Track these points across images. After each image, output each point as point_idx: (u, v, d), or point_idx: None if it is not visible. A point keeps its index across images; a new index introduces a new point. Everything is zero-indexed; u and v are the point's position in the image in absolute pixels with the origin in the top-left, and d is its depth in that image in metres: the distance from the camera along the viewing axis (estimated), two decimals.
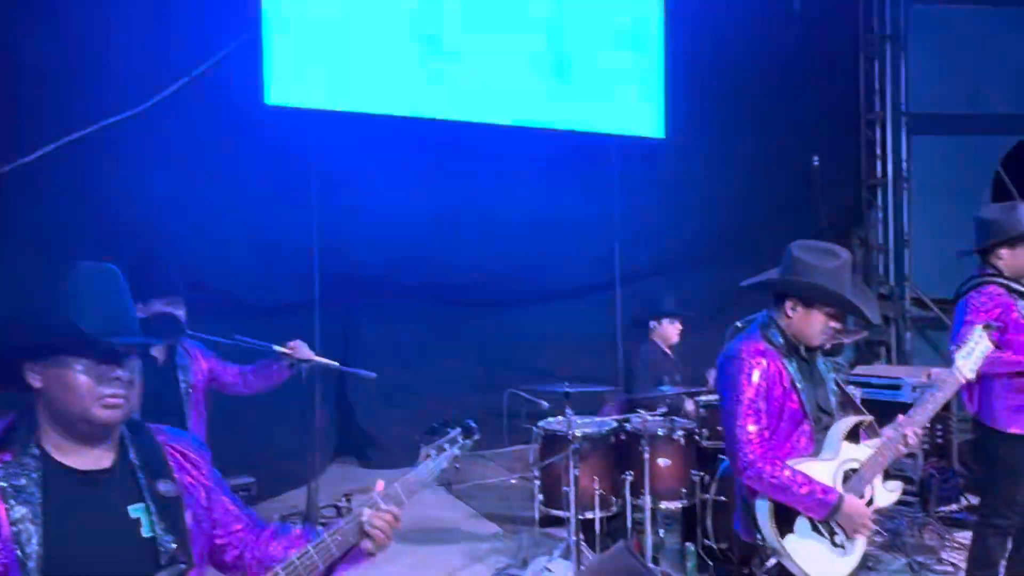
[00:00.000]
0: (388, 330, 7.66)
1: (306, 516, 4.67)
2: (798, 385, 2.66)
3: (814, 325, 2.68)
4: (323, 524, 5.53)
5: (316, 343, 5.23)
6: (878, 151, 10.00)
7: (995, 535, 3.96)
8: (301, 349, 3.60)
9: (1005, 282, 3.86)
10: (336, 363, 3.81)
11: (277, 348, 3.56)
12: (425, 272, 7.48)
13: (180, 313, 3.48)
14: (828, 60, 9.69)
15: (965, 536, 5.33)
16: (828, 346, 5.56)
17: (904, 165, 9.93)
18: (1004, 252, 3.87)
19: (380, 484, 1.95)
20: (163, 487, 1.77)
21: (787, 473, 2.52)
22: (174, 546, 1.73)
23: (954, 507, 5.78)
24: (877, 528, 5.27)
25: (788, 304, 2.70)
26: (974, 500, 5.85)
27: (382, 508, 1.89)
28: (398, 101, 6.74)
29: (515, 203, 7.53)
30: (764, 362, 2.63)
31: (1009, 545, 4.05)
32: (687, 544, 4.94)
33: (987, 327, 2.98)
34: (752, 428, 2.56)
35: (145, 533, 1.72)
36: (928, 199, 10.06)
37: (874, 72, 9.91)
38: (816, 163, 8.92)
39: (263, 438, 6.12)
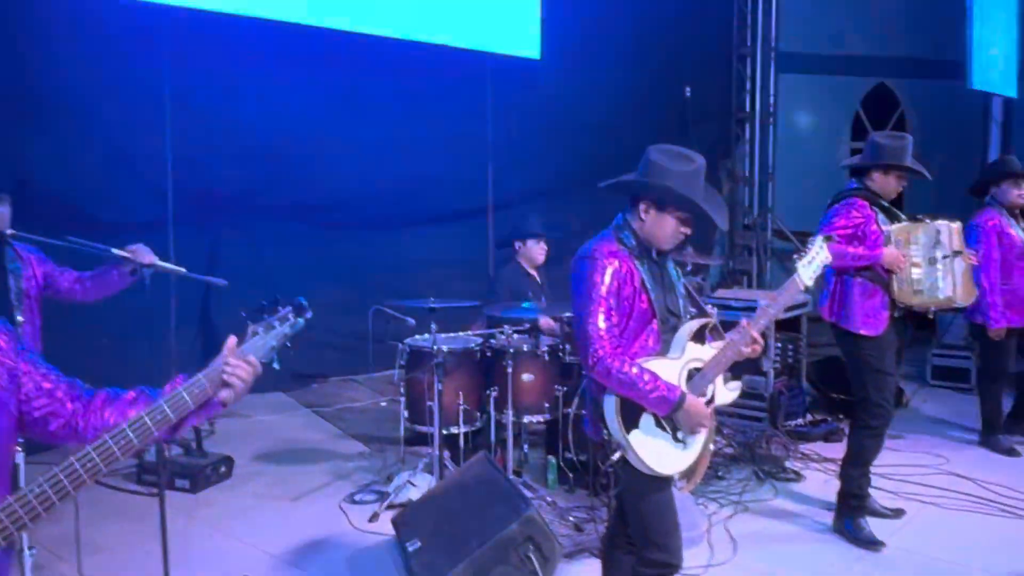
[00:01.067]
0: (252, 251, 7.38)
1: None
2: (648, 286, 2.69)
3: (665, 228, 2.71)
4: (182, 447, 5.39)
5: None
6: (747, 86, 10.26)
7: (870, 436, 4.26)
8: (142, 253, 3.40)
9: (870, 197, 4.21)
10: (183, 269, 3.62)
11: (116, 252, 3.34)
12: (291, 191, 7.20)
13: (2, 209, 3.22)
14: None
15: (809, 447, 5.70)
16: (689, 267, 5.78)
17: (771, 101, 10.24)
18: (876, 175, 4.21)
19: (231, 339, 1.88)
20: None
21: (634, 370, 2.57)
22: None
23: (800, 421, 6.12)
24: (728, 441, 5.56)
25: (642, 206, 2.72)
26: (819, 417, 6.26)
27: (241, 359, 1.85)
28: (264, 3, 6.33)
29: (386, 121, 7.32)
30: (616, 262, 2.65)
31: (883, 446, 4.39)
32: (549, 457, 5.05)
33: (827, 239, 3.13)
34: (603, 324, 2.59)
35: None
36: (792, 135, 10.46)
37: (747, 8, 10.10)
38: (688, 94, 9.10)
39: (118, 356, 5.85)
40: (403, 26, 6.91)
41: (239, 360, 1.85)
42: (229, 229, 7.25)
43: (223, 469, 5.19)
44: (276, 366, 1.99)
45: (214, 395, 1.86)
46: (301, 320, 1.97)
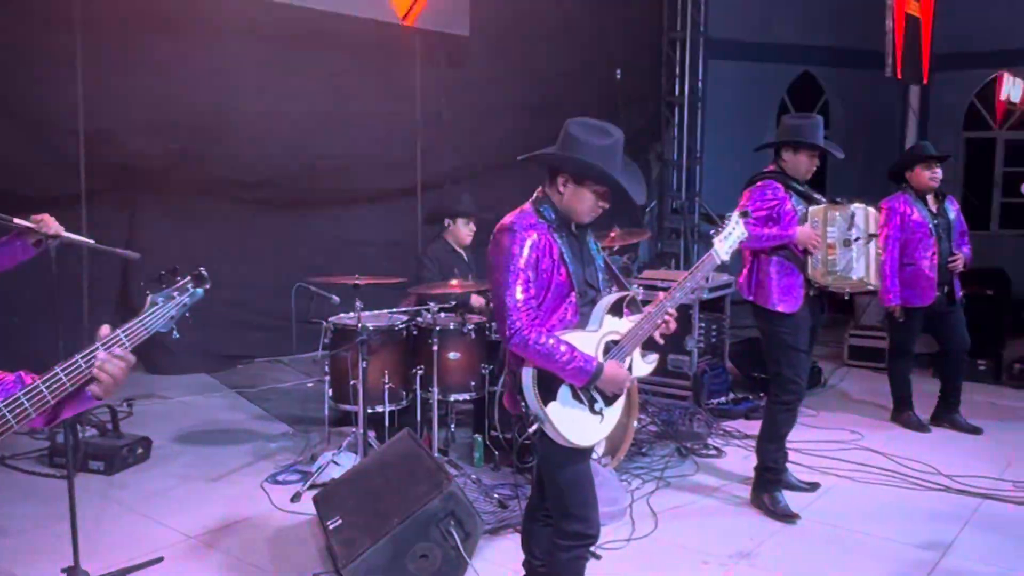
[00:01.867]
0: (174, 228, 7.18)
1: (73, 422, 4.33)
2: (567, 259, 2.70)
3: (584, 202, 2.71)
4: (94, 426, 5.23)
5: None
6: (677, 71, 10.37)
7: (783, 411, 4.38)
8: (49, 223, 3.25)
9: (784, 179, 4.30)
10: (91, 240, 3.48)
11: (19, 222, 3.20)
12: (214, 167, 7.01)
13: None
14: None
15: (730, 424, 5.83)
16: (616, 247, 5.81)
17: (700, 86, 10.38)
18: (787, 155, 4.31)
19: (104, 328, 1.82)
20: None
21: (551, 341, 2.57)
22: None
23: (722, 399, 6.26)
24: (652, 419, 5.65)
25: (560, 179, 2.72)
26: (741, 395, 6.41)
27: (116, 353, 1.80)
28: None
29: (313, 97, 7.17)
30: (535, 235, 2.64)
31: (796, 420, 4.52)
32: (475, 436, 5.05)
33: (744, 214, 3.18)
34: (520, 296, 2.59)
35: None
36: (720, 120, 10.62)
37: None
38: (619, 76, 9.16)
39: (27, 334, 5.63)
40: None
41: (109, 355, 1.80)
42: (149, 205, 7.04)
43: (140, 450, 5.04)
44: (176, 335, 1.95)
45: (82, 388, 1.80)
46: (200, 290, 1.95)
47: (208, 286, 1.94)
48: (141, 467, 4.98)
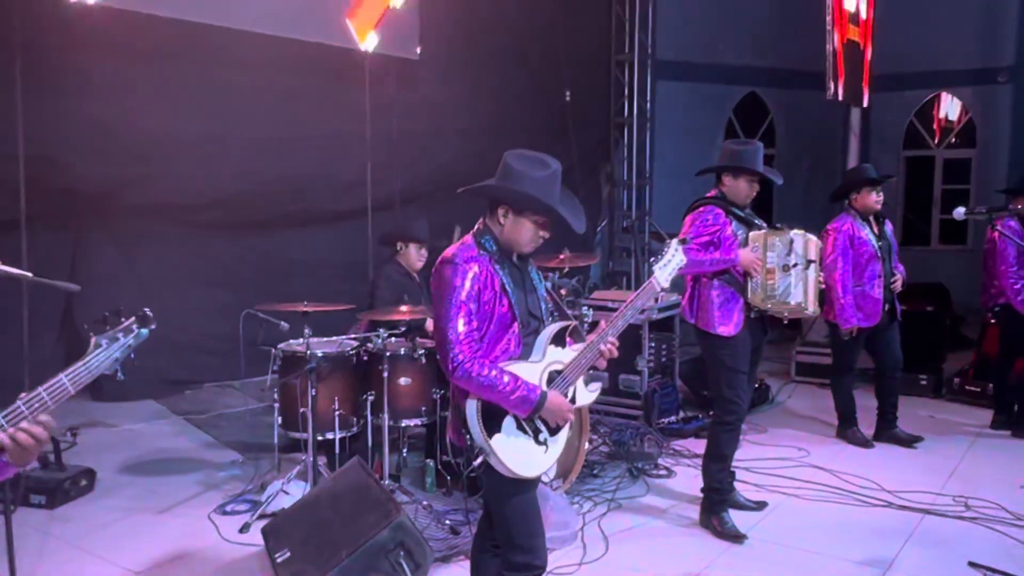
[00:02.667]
0: (120, 254, 7.07)
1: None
2: (508, 290, 2.72)
3: (524, 232, 2.74)
4: (39, 461, 5.09)
5: (25, 268, 4.69)
6: (626, 92, 10.52)
7: (725, 431, 4.44)
8: None
9: (724, 205, 4.38)
10: (29, 274, 3.41)
11: None
12: (160, 191, 6.91)
13: None
14: (582, 0, 10.02)
15: (681, 444, 5.89)
16: (566, 269, 5.86)
17: (648, 107, 10.54)
18: (727, 180, 4.40)
19: (22, 395, 1.79)
20: None
21: (494, 373, 2.59)
22: None
23: (672, 419, 6.32)
24: (603, 439, 5.69)
25: (500, 211, 2.75)
26: (691, 413, 6.49)
27: (36, 420, 1.77)
28: None
29: (261, 120, 7.12)
30: (476, 267, 2.66)
31: (740, 440, 4.56)
32: (427, 461, 5.04)
33: (683, 241, 3.24)
34: (462, 328, 2.60)
35: None
36: (668, 141, 10.80)
37: (625, 15, 10.36)
38: (568, 98, 9.26)
39: None
40: (277, 23, 6.75)
41: (31, 427, 1.76)
42: (95, 231, 6.92)
43: (84, 483, 4.93)
44: (121, 377, 1.94)
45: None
46: (145, 331, 1.93)
47: (153, 327, 1.93)
48: (84, 500, 4.87)
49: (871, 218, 5.77)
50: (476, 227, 2.82)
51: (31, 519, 4.47)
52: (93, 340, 1.88)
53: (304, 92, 7.30)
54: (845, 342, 5.78)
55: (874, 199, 5.70)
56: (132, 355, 1.94)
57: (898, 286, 5.79)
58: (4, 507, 3.38)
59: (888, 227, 5.93)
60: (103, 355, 1.87)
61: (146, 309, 1.94)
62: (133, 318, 1.93)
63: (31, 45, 5.73)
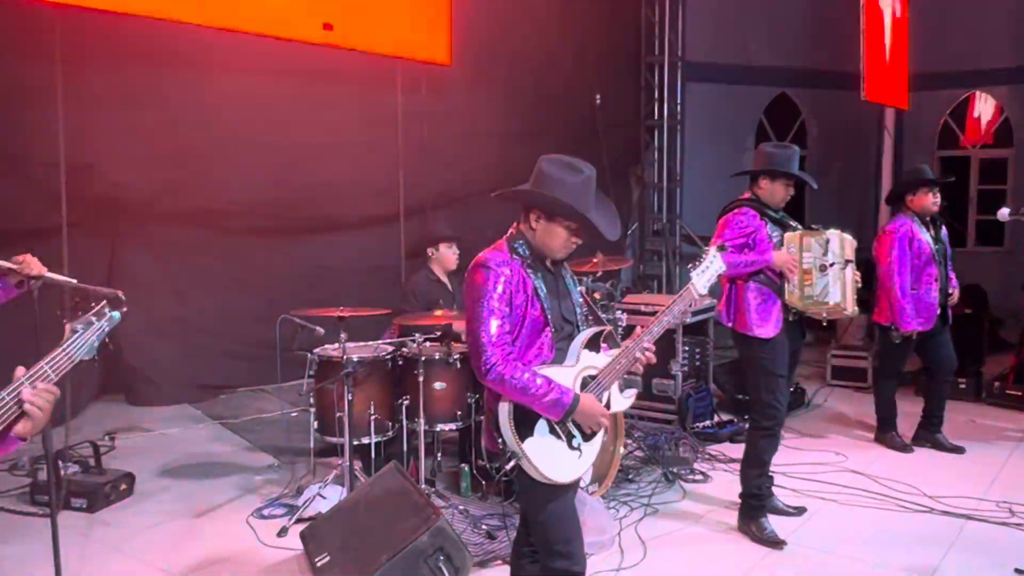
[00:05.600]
0: (158, 259, 7.16)
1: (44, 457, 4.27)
2: (541, 295, 2.72)
3: (556, 238, 2.74)
4: (76, 462, 5.18)
5: (67, 274, 4.76)
6: (656, 95, 10.48)
7: (764, 436, 4.41)
8: (31, 263, 3.24)
9: (759, 207, 4.35)
10: (73, 280, 3.47)
11: (2, 263, 3.18)
12: (196, 197, 6.97)
13: None
14: (612, 3, 9.99)
15: (716, 448, 5.84)
16: (600, 272, 5.84)
17: (679, 109, 10.49)
18: (764, 183, 4.37)
19: (20, 370, 1.82)
20: None
21: (527, 375, 2.58)
22: None
23: (707, 423, 6.27)
24: (638, 444, 5.66)
25: (532, 216, 2.75)
26: (726, 417, 6.43)
27: (39, 386, 1.80)
28: (161, 3, 6.03)
29: (295, 126, 7.18)
30: (508, 271, 2.66)
31: (779, 444, 4.53)
32: (462, 465, 5.04)
33: (721, 248, 3.21)
34: (495, 331, 2.60)
35: None
36: (699, 142, 10.74)
37: (655, 18, 10.32)
38: (599, 102, 9.24)
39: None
40: (312, 31, 6.79)
41: (37, 390, 1.79)
42: (131, 237, 7.01)
43: (123, 487, 5.00)
44: (95, 363, 1.96)
45: (8, 428, 1.79)
46: (117, 313, 1.96)
47: (125, 309, 1.97)
48: (124, 504, 4.92)
49: (928, 220, 5.68)
50: (510, 232, 2.82)
51: (72, 522, 4.54)
52: (68, 327, 1.90)
53: (337, 99, 7.36)
54: (895, 346, 5.69)
55: (931, 200, 5.59)
56: (107, 339, 1.96)
57: (955, 299, 5.73)
58: (50, 510, 3.42)
59: (943, 231, 5.81)
60: (80, 340, 1.90)
61: (118, 292, 1.97)
62: (104, 301, 1.96)
63: (72, 55, 5.83)
